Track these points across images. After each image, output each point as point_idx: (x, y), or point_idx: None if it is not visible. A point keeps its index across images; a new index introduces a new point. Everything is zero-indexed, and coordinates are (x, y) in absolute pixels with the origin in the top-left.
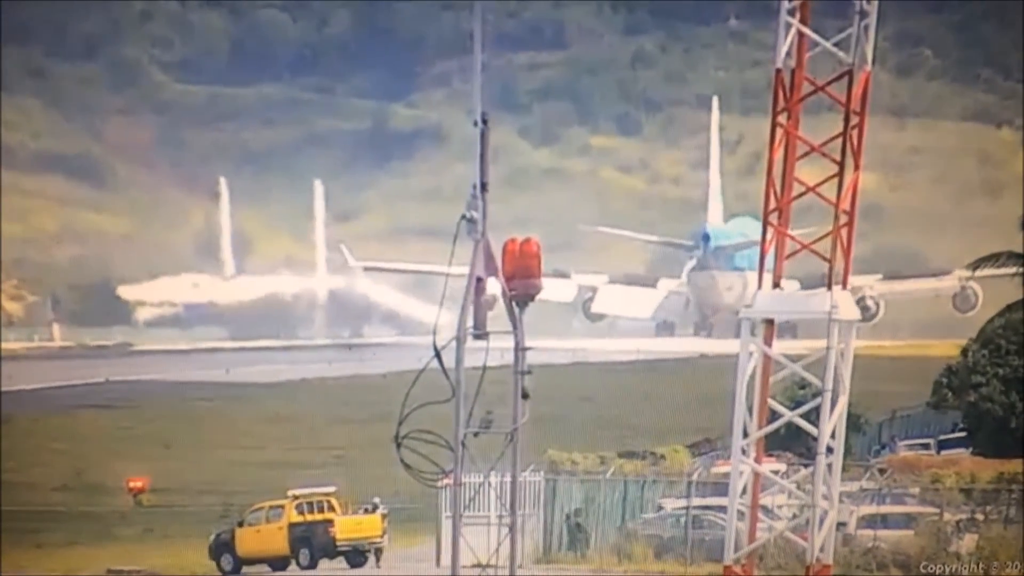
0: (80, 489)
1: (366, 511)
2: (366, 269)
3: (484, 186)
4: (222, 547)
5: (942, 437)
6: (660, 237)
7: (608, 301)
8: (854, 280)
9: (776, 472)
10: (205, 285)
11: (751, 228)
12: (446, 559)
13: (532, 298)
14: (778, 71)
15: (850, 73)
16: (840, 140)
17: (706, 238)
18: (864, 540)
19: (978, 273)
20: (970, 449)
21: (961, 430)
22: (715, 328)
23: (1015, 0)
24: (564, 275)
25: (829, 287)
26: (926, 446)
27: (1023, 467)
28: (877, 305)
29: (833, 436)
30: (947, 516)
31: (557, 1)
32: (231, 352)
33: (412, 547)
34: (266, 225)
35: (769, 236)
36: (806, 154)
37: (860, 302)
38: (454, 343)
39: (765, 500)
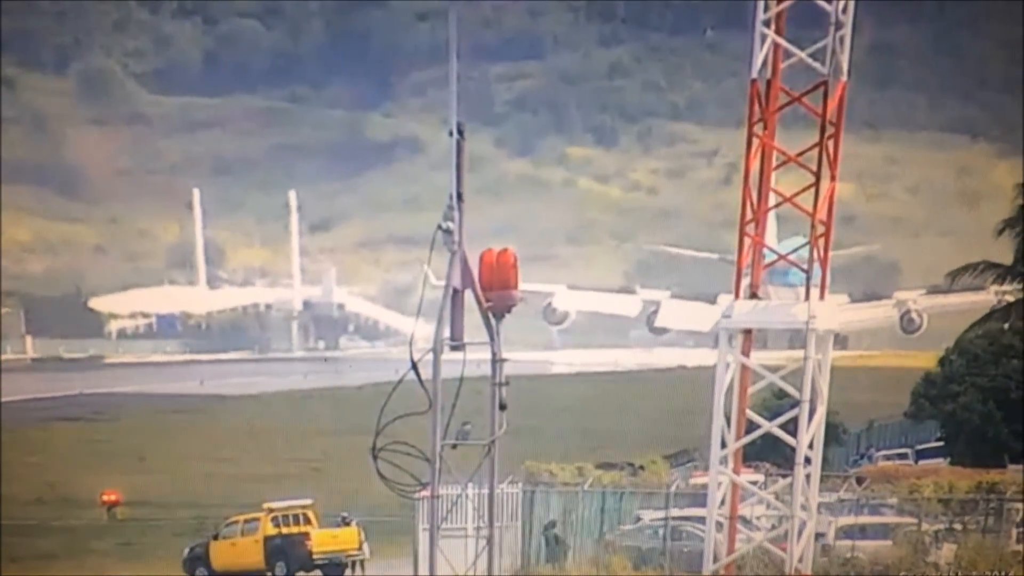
0: (54, 502)
1: (336, 526)
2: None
3: (460, 196)
4: (197, 560)
5: (920, 447)
6: (719, 254)
7: (671, 315)
8: (899, 295)
9: (754, 483)
10: (178, 296)
11: (802, 247)
12: (423, 571)
13: (509, 309)
14: (754, 82)
15: (826, 83)
16: (816, 150)
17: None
18: (842, 551)
19: (958, 283)
20: (948, 459)
21: (939, 439)
22: (769, 340)
23: (991, 12)
24: (629, 291)
25: (807, 297)
26: (904, 456)
27: (1001, 476)
28: (921, 318)
29: (811, 447)
30: (925, 526)
31: (533, 12)
32: (205, 364)
33: (389, 560)
34: (240, 236)
35: (746, 246)
36: (782, 164)
37: (906, 315)
38: (431, 354)
39: (744, 511)
